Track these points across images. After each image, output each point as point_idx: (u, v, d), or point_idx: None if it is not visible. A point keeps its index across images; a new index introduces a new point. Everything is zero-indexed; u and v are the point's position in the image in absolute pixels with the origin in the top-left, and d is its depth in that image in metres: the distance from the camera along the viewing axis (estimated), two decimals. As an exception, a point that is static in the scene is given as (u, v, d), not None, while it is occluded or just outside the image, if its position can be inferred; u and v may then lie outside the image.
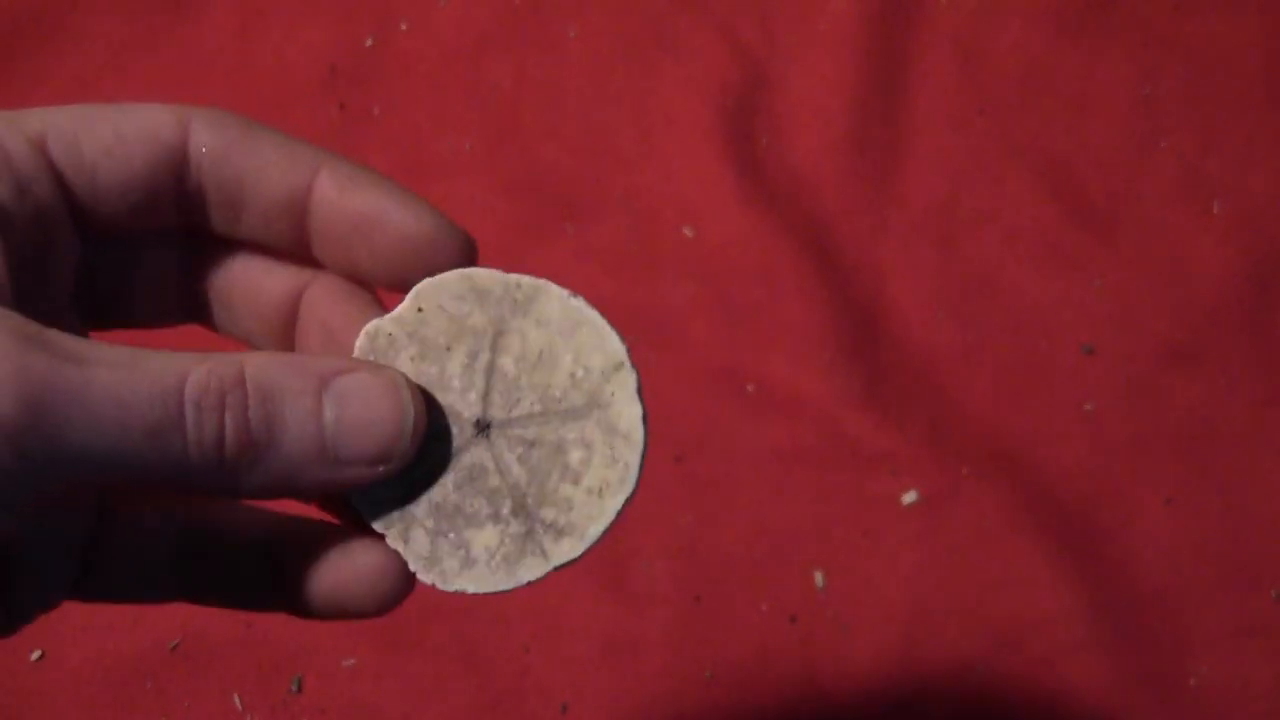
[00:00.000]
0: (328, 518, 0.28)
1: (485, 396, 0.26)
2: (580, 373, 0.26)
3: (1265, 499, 0.61)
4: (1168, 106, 0.70)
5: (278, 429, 0.23)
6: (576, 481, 0.26)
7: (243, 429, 0.23)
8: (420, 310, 0.26)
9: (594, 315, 0.26)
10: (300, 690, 0.56)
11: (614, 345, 0.26)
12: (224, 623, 0.56)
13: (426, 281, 0.26)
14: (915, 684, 0.58)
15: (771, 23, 0.71)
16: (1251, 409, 0.63)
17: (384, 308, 0.27)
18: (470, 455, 0.26)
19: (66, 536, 0.25)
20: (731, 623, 0.58)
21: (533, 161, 0.67)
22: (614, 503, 0.26)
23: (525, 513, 0.26)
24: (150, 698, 0.55)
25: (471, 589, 0.26)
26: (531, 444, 0.26)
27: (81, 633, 0.55)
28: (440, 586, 0.26)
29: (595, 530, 0.26)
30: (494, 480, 0.26)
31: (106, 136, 0.25)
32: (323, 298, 0.28)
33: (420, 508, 0.26)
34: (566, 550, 0.26)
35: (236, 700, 0.55)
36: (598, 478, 0.26)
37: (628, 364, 0.26)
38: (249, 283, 0.28)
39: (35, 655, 0.54)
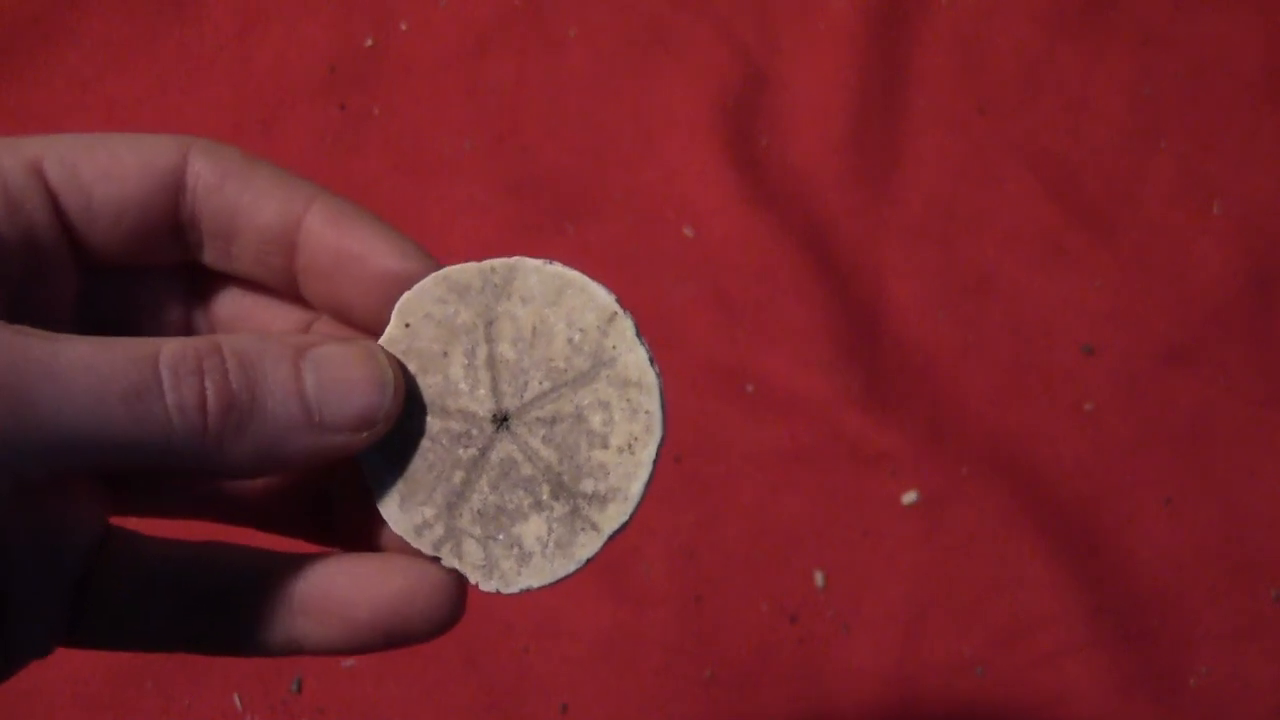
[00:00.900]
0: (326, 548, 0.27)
1: (495, 389, 0.26)
2: (577, 336, 0.26)
3: (1265, 499, 0.61)
4: (1168, 106, 0.70)
5: (260, 391, 0.23)
6: (605, 445, 0.26)
7: (224, 390, 0.22)
8: (407, 326, 0.26)
9: (574, 275, 0.26)
10: (300, 690, 0.56)
11: (602, 298, 0.26)
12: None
13: (405, 296, 0.26)
14: (915, 684, 0.58)
15: (771, 23, 0.71)
16: (1251, 409, 0.63)
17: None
18: (497, 452, 0.26)
19: (60, 577, 0.25)
20: (731, 623, 0.58)
21: (533, 161, 0.67)
22: (647, 454, 0.26)
23: (565, 491, 0.26)
24: (150, 698, 0.55)
25: (536, 584, 0.26)
26: (552, 422, 0.26)
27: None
28: (505, 591, 0.26)
29: (637, 487, 0.26)
30: (526, 469, 0.26)
31: (103, 160, 0.25)
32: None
33: (464, 518, 0.26)
34: (614, 515, 0.26)
35: (236, 700, 0.55)
36: (624, 434, 0.26)
37: (620, 312, 0.26)
38: (251, 321, 0.28)
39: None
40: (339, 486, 0.28)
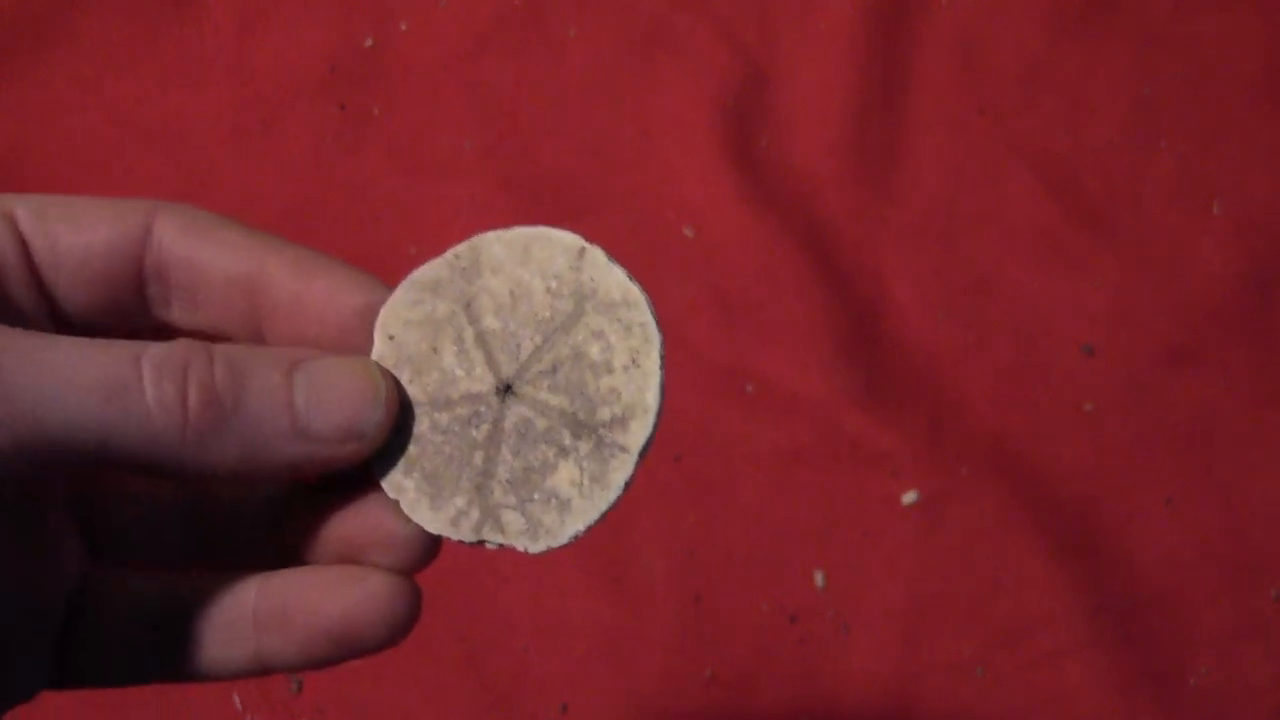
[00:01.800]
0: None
1: (490, 363, 0.26)
2: (553, 283, 0.26)
3: (1265, 499, 0.61)
4: (1168, 106, 0.70)
5: (245, 393, 0.23)
6: (609, 369, 0.26)
7: (208, 389, 0.22)
8: (391, 338, 0.26)
9: (536, 230, 0.26)
10: (300, 690, 0.56)
11: (568, 239, 0.26)
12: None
13: (382, 312, 0.26)
14: (915, 684, 0.58)
15: (771, 23, 0.71)
16: (1251, 409, 0.63)
17: None
18: (509, 419, 0.26)
19: (45, 620, 0.25)
20: (731, 623, 0.58)
21: (533, 161, 0.67)
22: (651, 362, 0.26)
23: (584, 428, 0.26)
24: (150, 698, 0.55)
25: (582, 526, 0.26)
26: (553, 370, 0.26)
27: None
28: (555, 545, 0.26)
29: (651, 396, 0.26)
30: (542, 423, 0.26)
31: (75, 213, 0.26)
32: None
33: (496, 494, 0.26)
34: (638, 430, 0.26)
35: (236, 700, 0.55)
36: (624, 352, 0.26)
37: (587, 245, 0.26)
38: None
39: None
40: (289, 496, 0.28)
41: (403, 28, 0.70)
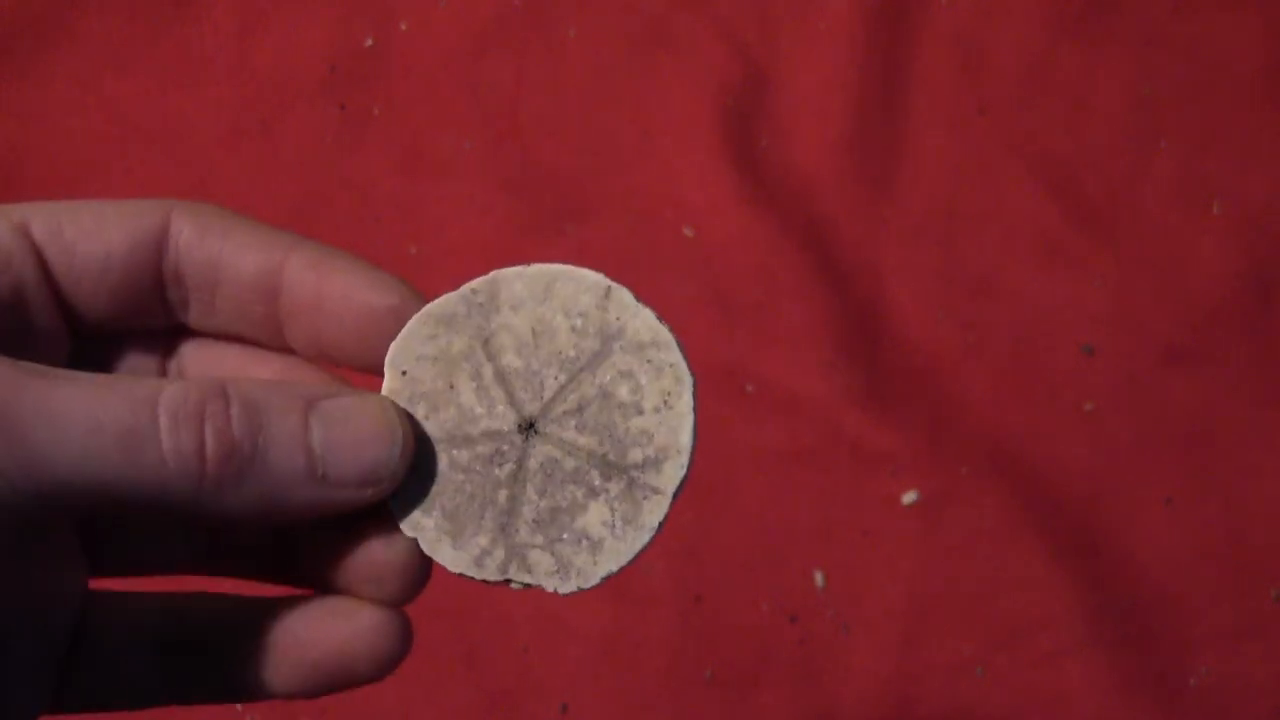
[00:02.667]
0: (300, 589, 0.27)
1: (512, 401, 0.26)
2: (578, 321, 0.26)
3: (1265, 499, 0.61)
4: (1168, 106, 0.70)
5: (264, 440, 0.22)
6: (640, 410, 0.26)
7: (225, 438, 0.22)
8: (404, 374, 0.26)
9: (558, 268, 0.26)
10: (300, 690, 0.56)
11: (592, 278, 0.26)
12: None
13: (393, 346, 0.26)
14: (915, 684, 0.58)
15: (771, 23, 0.71)
16: (1251, 409, 0.63)
17: None
18: (534, 458, 0.26)
19: (48, 641, 0.25)
20: (731, 623, 0.58)
21: (533, 161, 0.67)
22: (684, 403, 0.26)
23: (614, 469, 0.26)
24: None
25: (615, 566, 0.25)
26: (579, 410, 0.26)
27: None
28: (586, 586, 0.25)
29: (685, 438, 0.26)
30: (569, 463, 0.26)
31: (86, 221, 0.25)
32: None
33: (521, 533, 0.25)
34: (672, 472, 0.25)
35: (236, 700, 0.55)
36: (656, 393, 0.26)
37: (613, 285, 0.26)
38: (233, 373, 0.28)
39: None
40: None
41: (403, 28, 0.70)
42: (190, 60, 0.69)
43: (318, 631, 0.25)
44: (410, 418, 0.25)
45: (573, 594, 0.25)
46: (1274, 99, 0.70)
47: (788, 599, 0.58)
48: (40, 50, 0.68)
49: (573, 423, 0.26)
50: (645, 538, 0.25)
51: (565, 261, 0.26)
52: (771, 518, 0.60)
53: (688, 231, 0.66)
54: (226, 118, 0.67)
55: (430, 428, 0.26)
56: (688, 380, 0.26)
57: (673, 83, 0.69)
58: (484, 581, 0.26)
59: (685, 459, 0.26)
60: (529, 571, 0.25)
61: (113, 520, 0.27)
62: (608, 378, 0.26)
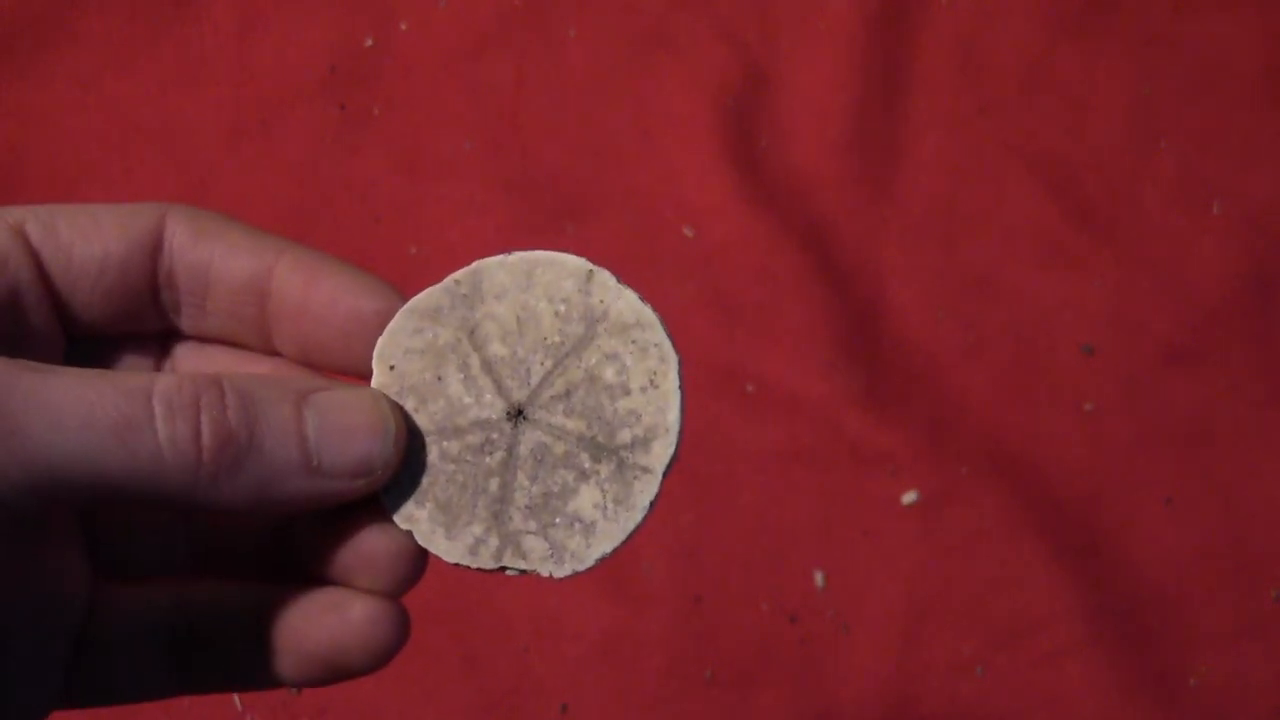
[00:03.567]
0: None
1: (499, 389, 0.26)
2: (561, 307, 0.26)
3: (1265, 499, 0.61)
4: (1168, 106, 0.70)
5: (259, 430, 0.23)
6: (626, 391, 0.26)
7: (222, 427, 0.22)
8: (392, 368, 0.26)
9: (539, 254, 0.26)
10: (300, 691, 0.56)
11: (574, 263, 0.26)
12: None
13: (380, 341, 0.26)
14: (915, 684, 0.58)
15: (771, 23, 0.71)
16: (1251, 409, 0.63)
17: None
18: (524, 444, 0.26)
19: (54, 642, 0.25)
20: (731, 623, 0.58)
21: (533, 161, 0.67)
22: (670, 382, 0.26)
23: (604, 451, 0.26)
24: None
25: (609, 547, 0.25)
26: (567, 394, 0.26)
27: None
28: (581, 569, 0.25)
29: (673, 416, 0.26)
30: (559, 448, 0.26)
31: (83, 223, 0.25)
32: None
33: (514, 520, 0.26)
34: (660, 451, 0.26)
35: (236, 700, 0.55)
36: (641, 373, 0.26)
37: (595, 268, 0.26)
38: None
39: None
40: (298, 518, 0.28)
41: (403, 28, 0.70)
42: (190, 60, 0.69)
43: (314, 622, 0.25)
44: (401, 410, 0.26)
45: (568, 578, 0.26)
46: (1274, 99, 0.70)
47: (788, 599, 0.59)
48: (40, 50, 0.68)
49: (561, 407, 0.26)
50: (637, 518, 0.26)
51: None
52: (771, 518, 0.60)
53: (688, 231, 0.66)
54: (226, 118, 0.67)
55: (420, 420, 0.26)
56: (673, 359, 0.26)
57: (673, 83, 0.69)
58: (479, 570, 0.26)
59: (674, 437, 0.26)
60: (524, 558, 0.26)
61: (113, 521, 0.27)
62: (593, 361, 0.26)
